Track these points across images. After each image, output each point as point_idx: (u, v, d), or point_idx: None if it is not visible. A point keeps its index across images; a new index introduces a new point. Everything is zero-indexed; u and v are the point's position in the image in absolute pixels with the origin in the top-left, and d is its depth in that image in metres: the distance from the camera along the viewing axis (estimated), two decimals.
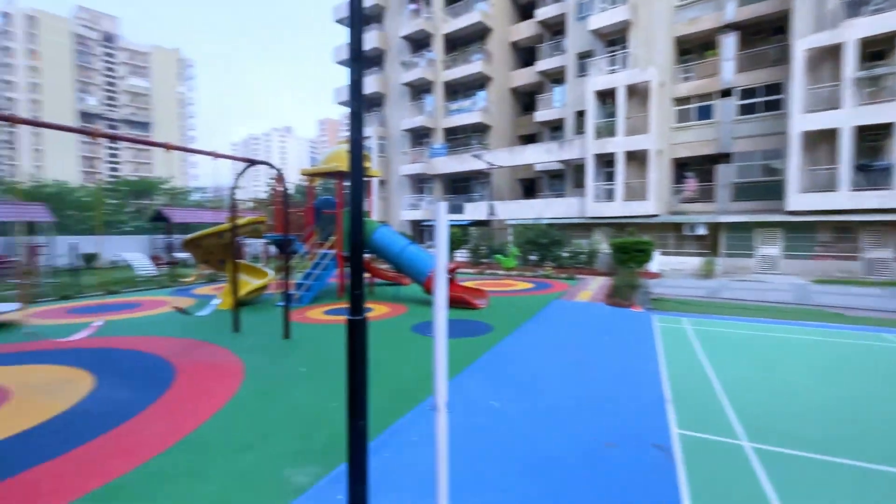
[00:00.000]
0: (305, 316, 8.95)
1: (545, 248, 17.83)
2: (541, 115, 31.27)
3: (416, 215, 33.36)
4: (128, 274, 16.65)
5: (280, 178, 6.20)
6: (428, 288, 9.68)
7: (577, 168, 29.07)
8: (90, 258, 20.61)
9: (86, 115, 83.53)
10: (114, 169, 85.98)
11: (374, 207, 11.69)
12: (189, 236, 9.81)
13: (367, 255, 12.67)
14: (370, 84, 36.23)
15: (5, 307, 8.12)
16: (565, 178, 30.02)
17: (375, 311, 9.37)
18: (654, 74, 23.10)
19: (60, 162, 74.10)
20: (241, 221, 9.87)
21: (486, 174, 33.68)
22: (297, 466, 3.22)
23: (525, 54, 34.95)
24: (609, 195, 24.96)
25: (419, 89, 34.97)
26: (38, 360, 5.89)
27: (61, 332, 7.48)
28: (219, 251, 10.34)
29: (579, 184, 29.21)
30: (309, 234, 11.35)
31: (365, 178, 11.38)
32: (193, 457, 3.28)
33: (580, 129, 28.62)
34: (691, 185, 25.94)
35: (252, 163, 6.80)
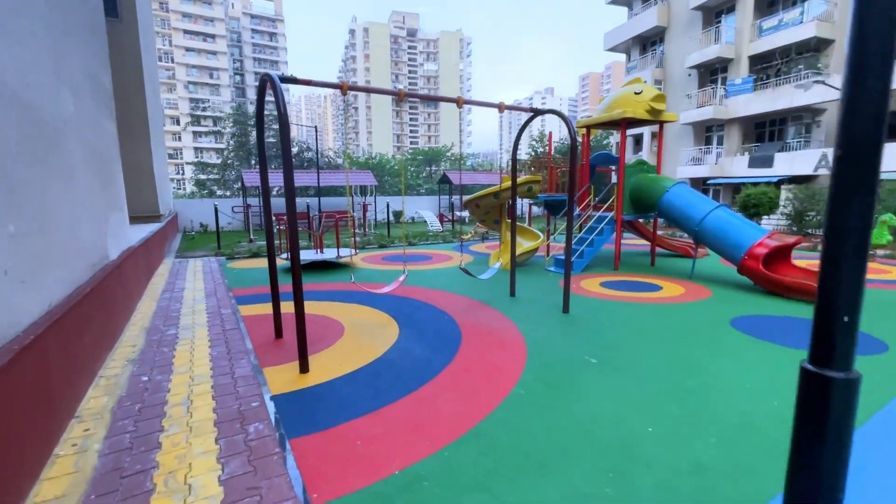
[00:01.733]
0: (580, 286, 8.04)
1: None
2: None
3: (700, 171, 27.41)
4: (422, 228, 19.82)
5: (570, 132, 5.17)
6: (749, 269, 7.16)
7: None
8: (398, 215, 25.68)
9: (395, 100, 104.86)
10: (413, 141, 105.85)
11: (661, 161, 9.50)
12: (469, 197, 10.25)
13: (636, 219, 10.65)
14: (646, 18, 31.14)
15: (345, 252, 10.40)
16: None
17: (665, 290, 7.60)
18: None
19: (382, 138, 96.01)
20: (496, 187, 9.63)
21: (813, 111, 24.43)
22: None
23: None
24: None
25: (715, 10, 27.82)
26: (361, 300, 7.01)
27: (378, 276, 8.99)
28: (495, 211, 10.51)
29: None
30: (583, 193, 10.25)
31: (659, 124, 9.32)
32: (485, 460, 2.79)
33: None
34: None
35: (537, 112, 6.07)
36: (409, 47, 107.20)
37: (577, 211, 10.47)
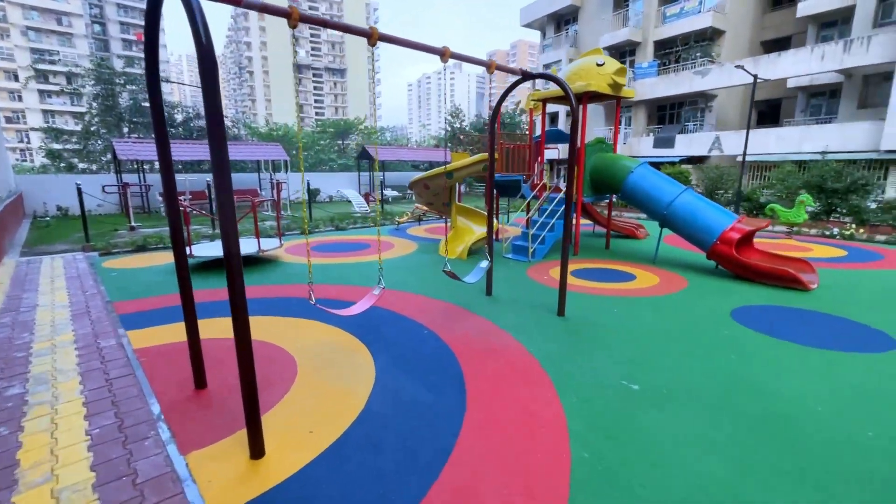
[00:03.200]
0: (549, 276, 7.31)
1: (838, 195, 12.60)
2: (807, 5, 22.64)
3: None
4: (345, 209, 17.89)
5: (571, 104, 4.17)
6: (721, 254, 6.95)
7: (867, 80, 20.59)
8: (313, 193, 23.14)
9: (299, 67, 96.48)
10: (318, 113, 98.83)
11: (617, 140, 9.06)
12: (418, 177, 8.92)
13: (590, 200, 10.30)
14: None
15: (269, 244, 8.49)
16: (840, 96, 21.62)
17: (640, 278, 7.16)
18: None
19: (283, 108, 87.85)
20: (472, 159, 8.53)
21: (707, 97, 26.78)
22: None
23: None
24: None
25: None
26: (304, 312, 5.48)
27: (321, 276, 7.36)
28: (445, 193, 9.33)
29: (866, 104, 20.73)
30: (539, 173, 9.50)
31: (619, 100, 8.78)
32: None
33: (885, 17, 19.69)
34: None
35: (527, 76, 4.96)
36: (311, 8, 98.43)
37: (531, 193, 9.72)
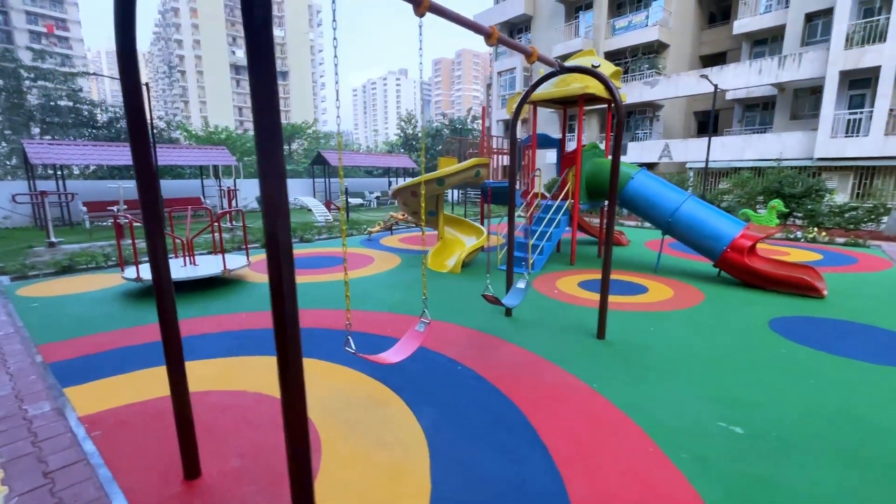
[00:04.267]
0: (559, 290, 6.76)
1: (795, 200, 13.28)
2: (742, 24, 24.32)
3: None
4: (304, 218, 16.51)
5: (616, 101, 3.71)
6: (732, 262, 6.74)
7: (797, 94, 22.36)
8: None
9: (235, 68, 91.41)
10: None
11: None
12: (404, 183, 8.08)
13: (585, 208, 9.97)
14: (515, 5, 31.82)
15: (235, 261, 7.24)
16: (775, 108, 23.36)
17: (653, 290, 6.77)
18: None
19: (219, 110, 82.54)
20: (465, 164, 7.84)
21: (655, 107, 28.10)
22: None
23: None
24: (856, 128, 18.56)
25: (576, 5, 29.65)
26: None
27: (312, 299, 6.27)
28: (432, 201, 8.56)
29: (797, 115, 22.54)
30: (532, 181, 9.00)
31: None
32: None
33: (811, 36, 21.51)
34: None
35: (564, 70, 4.37)
36: None
37: (522, 200, 9.21)
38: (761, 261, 6.94)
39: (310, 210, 16.29)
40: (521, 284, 4.73)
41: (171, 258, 8.15)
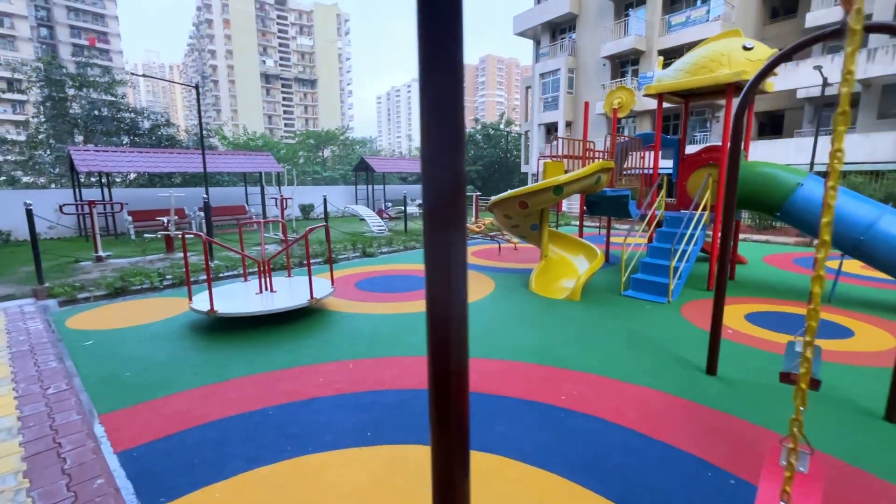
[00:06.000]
0: (737, 330, 5.27)
1: None
2: (816, 16, 22.27)
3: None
4: (355, 227, 15.40)
5: None
6: None
7: (885, 90, 20.23)
8: (307, 210, 20.44)
9: (266, 77, 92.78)
10: (287, 124, 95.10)
11: (748, 147, 7.19)
12: (508, 193, 6.74)
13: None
14: (559, 4, 30.43)
15: (321, 288, 5.97)
16: (858, 107, 21.20)
17: (861, 334, 5.22)
18: None
19: (251, 117, 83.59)
20: (590, 168, 6.46)
21: (714, 107, 26.17)
22: None
23: None
24: None
25: (625, 1, 28.07)
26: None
27: (381, 327, 4.95)
28: (536, 214, 7.20)
29: (886, 114, 20.36)
30: (655, 189, 7.57)
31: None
32: None
33: None
34: None
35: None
36: (279, 17, 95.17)
37: (637, 211, 7.76)
38: None
39: (362, 219, 15.16)
40: (800, 348, 3.28)
41: (239, 280, 6.99)
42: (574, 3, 30.24)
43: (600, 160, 6.74)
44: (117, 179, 22.81)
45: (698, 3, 25.83)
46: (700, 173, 7.84)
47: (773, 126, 27.34)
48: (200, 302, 5.29)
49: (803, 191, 6.28)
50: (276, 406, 3.52)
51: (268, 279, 5.91)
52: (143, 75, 11.07)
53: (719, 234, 4.31)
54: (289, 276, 6.83)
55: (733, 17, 24.67)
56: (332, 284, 6.15)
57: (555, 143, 7.75)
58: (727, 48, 6.61)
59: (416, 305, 6.35)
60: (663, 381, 3.95)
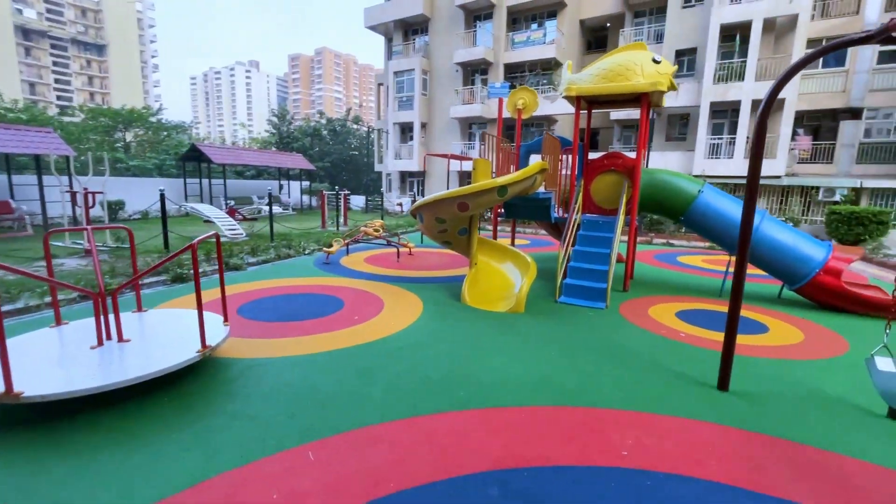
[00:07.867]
0: (651, 319, 5.30)
1: None
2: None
3: (468, 166, 28.94)
4: (202, 230, 12.05)
5: None
6: (825, 286, 6.18)
7: (672, 119, 25.60)
8: (115, 208, 15.53)
9: (25, 32, 70.54)
10: (64, 96, 74.36)
11: (647, 153, 7.80)
12: (440, 194, 5.70)
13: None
14: (412, 4, 30.37)
15: (213, 329, 3.91)
16: (653, 129, 26.45)
17: (775, 330, 5.74)
18: (806, 5, 19.48)
19: (1, 82, 62.30)
20: (534, 167, 5.87)
21: (551, 121, 29.60)
22: None
23: None
24: (718, 151, 22.12)
25: (475, 13, 29.55)
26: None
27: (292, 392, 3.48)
28: (464, 219, 6.33)
29: (672, 136, 25.88)
30: (573, 191, 7.44)
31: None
32: None
33: (681, 70, 24.82)
34: (804, 142, 23.15)
35: (849, 44, 2.89)
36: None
37: (557, 213, 7.61)
38: (858, 285, 6.50)
39: (208, 220, 11.98)
40: (882, 365, 3.07)
41: (46, 324, 3.84)
42: (427, 6, 30.48)
43: (539, 161, 6.28)
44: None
45: (534, 26, 28.63)
46: (602, 178, 8.12)
47: (591, 142, 32.23)
48: None
49: (702, 199, 6.93)
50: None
51: (114, 321, 3.63)
52: None
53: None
54: (138, 309, 4.49)
55: (563, 44, 28.09)
56: (226, 321, 4.18)
57: (481, 143, 7.02)
58: (639, 59, 6.88)
59: (351, 335, 4.83)
60: (686, 404, 3.53)
